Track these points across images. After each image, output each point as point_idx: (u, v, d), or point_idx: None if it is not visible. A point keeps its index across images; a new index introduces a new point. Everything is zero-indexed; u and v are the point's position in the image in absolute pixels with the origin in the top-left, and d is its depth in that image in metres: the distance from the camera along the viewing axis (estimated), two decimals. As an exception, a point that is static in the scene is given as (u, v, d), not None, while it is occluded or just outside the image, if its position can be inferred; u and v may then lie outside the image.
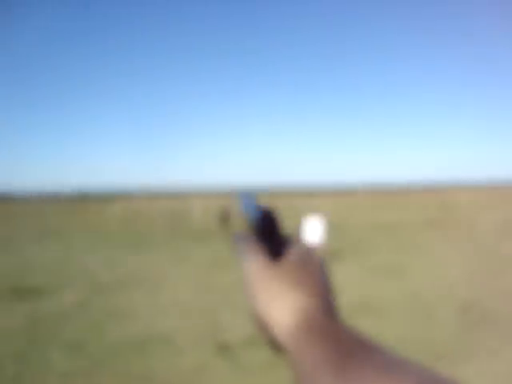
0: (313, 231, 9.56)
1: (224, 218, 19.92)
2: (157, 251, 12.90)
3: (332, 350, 0.37)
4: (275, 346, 0.45)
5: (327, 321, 0.41)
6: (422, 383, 0.31)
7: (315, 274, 0.45)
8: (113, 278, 8.78)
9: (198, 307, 6.52)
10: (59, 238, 17.61)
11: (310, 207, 32.35)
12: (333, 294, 0.46)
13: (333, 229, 16.91)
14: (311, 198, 70.29)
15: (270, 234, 0.47)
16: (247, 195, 0.56)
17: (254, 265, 0.46)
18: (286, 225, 0.56)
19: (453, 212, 27.34)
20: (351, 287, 7.17)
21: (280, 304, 0.43)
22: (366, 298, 6.68)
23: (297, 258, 0.46)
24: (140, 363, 4.48)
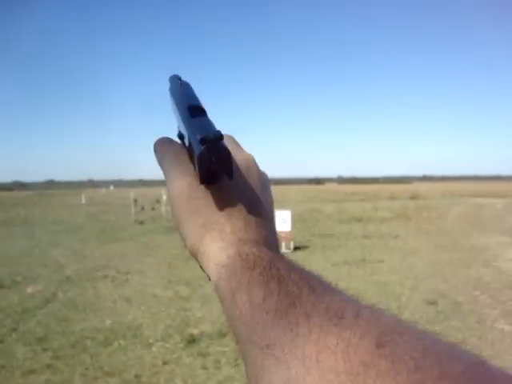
0: (280, 221, 9.53)
1: None
2: (124, 243, 12.73)
3: (273, 292, 0.29)
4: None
5: (268, 256, 0.32)
6: (383, 334, 0.24)
7: (254, 198, 0.37)
8: (78, 270, 8.61)
9: (165, 300, 6.48)
10: (24, 228, 17.14)
11: (279, 197, 32.51)
12: (274, 224, 0.38)
13: (302, 219, 17.06)
14: (280, 188, 70.64)
15: (209, 161, 0.34)
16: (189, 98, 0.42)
17: (180, 186, 0.36)
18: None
19: (422, 204, 27.97)
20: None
21: (210, 236, 0.34)
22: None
23: (232, 181, 0.35)
24: (107, 357, 4.43)
